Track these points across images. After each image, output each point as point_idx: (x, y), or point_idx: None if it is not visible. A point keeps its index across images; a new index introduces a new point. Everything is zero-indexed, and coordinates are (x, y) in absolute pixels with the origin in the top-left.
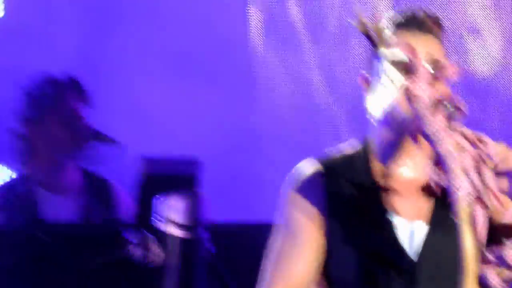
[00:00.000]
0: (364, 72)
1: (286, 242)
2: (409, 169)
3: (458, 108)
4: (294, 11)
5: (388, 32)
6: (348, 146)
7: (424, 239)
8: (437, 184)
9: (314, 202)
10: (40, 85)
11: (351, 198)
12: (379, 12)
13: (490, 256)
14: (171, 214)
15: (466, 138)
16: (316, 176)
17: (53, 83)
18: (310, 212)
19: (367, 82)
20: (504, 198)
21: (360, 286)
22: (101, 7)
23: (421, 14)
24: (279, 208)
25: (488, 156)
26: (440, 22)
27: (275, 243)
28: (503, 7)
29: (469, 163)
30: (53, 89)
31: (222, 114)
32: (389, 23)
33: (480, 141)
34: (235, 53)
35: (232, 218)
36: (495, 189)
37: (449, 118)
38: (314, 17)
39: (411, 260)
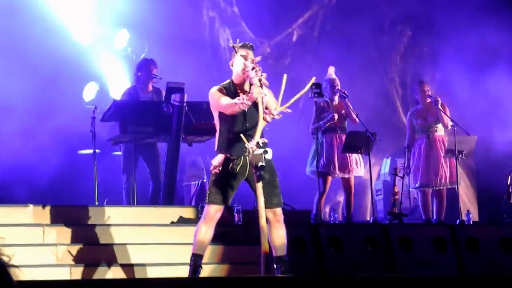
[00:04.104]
0: (231, 62)
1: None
2: (246, 87)
3: (259, 69)
4: None
5: (238, 47)
6: (227, 81)
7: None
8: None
9: (222, 92)
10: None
11: (231, 94)
12: (237, 42)
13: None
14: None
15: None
16: (222, 87)
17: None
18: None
19: (232, 65)
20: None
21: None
22: None
23: (247, 43)
24: (212, 97)
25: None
26: (253, 46)
27: (220, 98)
28: None
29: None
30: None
31: None
32: (239, 44)
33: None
34: None
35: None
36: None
37: (256, 72)
38: None
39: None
